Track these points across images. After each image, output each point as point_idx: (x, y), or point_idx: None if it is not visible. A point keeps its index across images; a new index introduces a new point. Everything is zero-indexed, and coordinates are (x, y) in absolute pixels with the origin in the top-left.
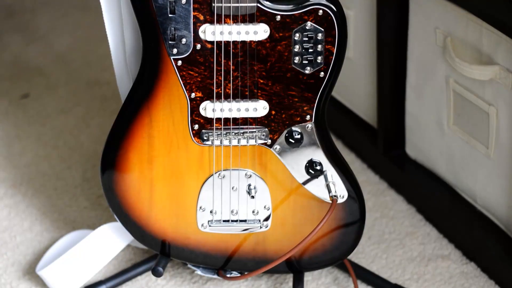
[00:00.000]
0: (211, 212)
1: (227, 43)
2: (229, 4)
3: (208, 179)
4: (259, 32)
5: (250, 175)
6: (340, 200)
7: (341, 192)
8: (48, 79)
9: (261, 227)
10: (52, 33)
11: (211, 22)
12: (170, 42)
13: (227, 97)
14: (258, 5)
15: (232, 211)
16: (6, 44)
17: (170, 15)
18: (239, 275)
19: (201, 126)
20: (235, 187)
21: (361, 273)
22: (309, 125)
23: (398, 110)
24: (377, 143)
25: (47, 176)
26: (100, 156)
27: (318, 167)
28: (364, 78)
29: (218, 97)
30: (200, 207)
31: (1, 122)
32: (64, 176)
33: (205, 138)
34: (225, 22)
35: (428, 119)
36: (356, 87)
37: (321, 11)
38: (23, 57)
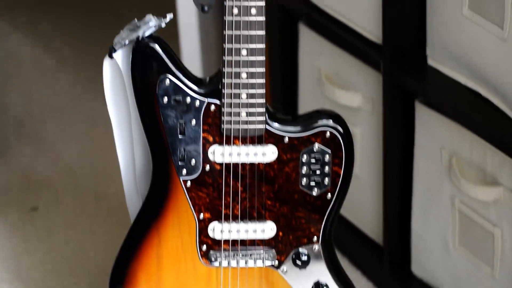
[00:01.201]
0: None
1: (235, 164)
2: (238, 126)
3: None
4: (267, 153)
5: None
6: None
7: None
8: (56, 192)
9: None
10: (61, 145)
11: (220, 143)
12: (179, 163)
13: (235, 218)
14: (267, 127)
15: None
16: (15, 156)
17: (180, 136)
18: None
19: (209, 247)
20: None
21: None
22: (316, 247)
23: (404, 229)
24: (383, 261)
25: None
26: (108, 272)
27: None
28: (370, 196)
29: (226, 218)
30: None
31: (10, 235)
32: None
33: (212, 259)
34: (233, 143)
35: (434, 238)
36: (362, 204)
37: (328, 133)
38: (32, 168)
